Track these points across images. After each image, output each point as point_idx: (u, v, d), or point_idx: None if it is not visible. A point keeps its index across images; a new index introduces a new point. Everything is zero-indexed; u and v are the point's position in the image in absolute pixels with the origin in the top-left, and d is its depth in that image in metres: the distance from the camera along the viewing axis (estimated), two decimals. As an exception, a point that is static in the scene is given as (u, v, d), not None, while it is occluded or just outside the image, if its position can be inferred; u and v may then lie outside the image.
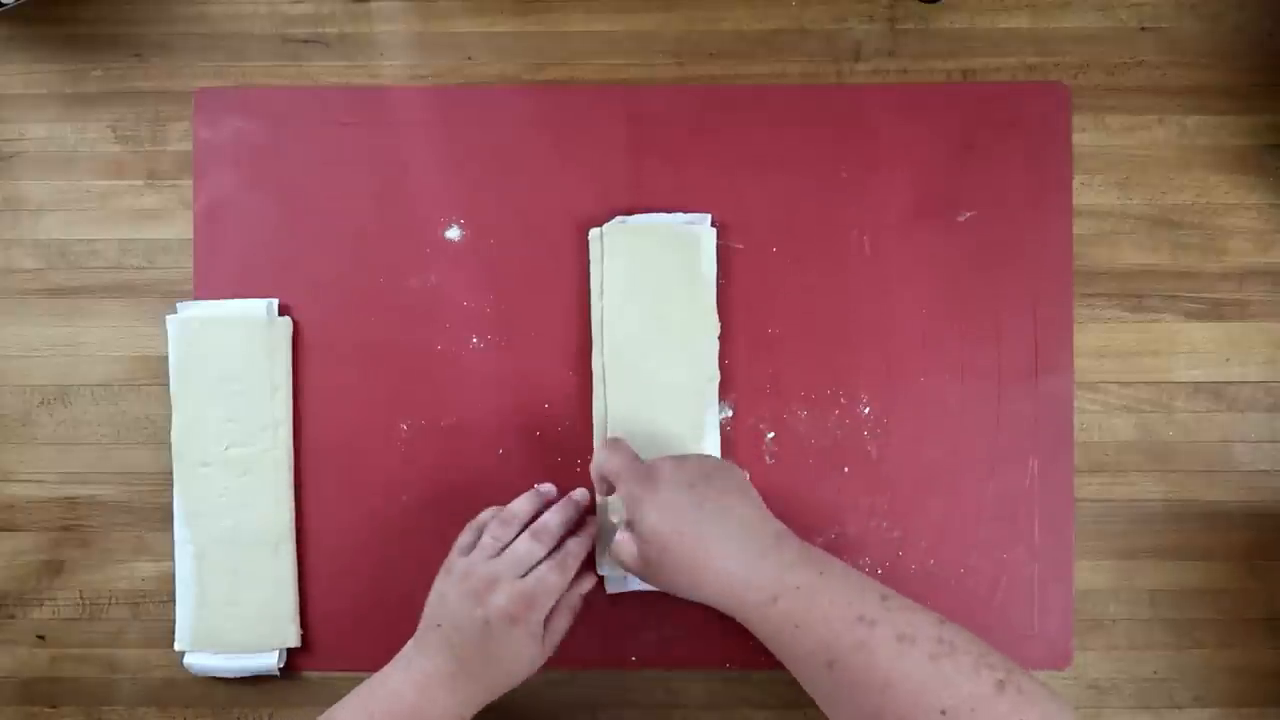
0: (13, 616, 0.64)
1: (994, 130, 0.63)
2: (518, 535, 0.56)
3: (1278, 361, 0.64)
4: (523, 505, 0.58)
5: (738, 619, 0.52)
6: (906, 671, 0.45)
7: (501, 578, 0.53)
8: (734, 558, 0.50)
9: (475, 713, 0.54)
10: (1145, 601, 0.64)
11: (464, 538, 0.57)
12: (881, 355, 0.63)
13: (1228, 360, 0.64)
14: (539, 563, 0.55)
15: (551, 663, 0.63)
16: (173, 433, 0.62)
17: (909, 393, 0.63)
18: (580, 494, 0.60)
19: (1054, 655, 0.63)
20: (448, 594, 0.54)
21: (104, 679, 0.64)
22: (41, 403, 0.64)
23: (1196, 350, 0.64)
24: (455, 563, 0.56)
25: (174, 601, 0.62)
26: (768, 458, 0.63)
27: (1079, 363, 0.63)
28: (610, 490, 0.56)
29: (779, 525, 0.53)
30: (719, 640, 0.63)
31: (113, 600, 0.64)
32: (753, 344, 0.63)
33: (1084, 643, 0.63)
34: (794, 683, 0.63)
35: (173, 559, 0.63)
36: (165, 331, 0.62)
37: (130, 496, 0.64)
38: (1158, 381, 0.64)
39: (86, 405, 0.64)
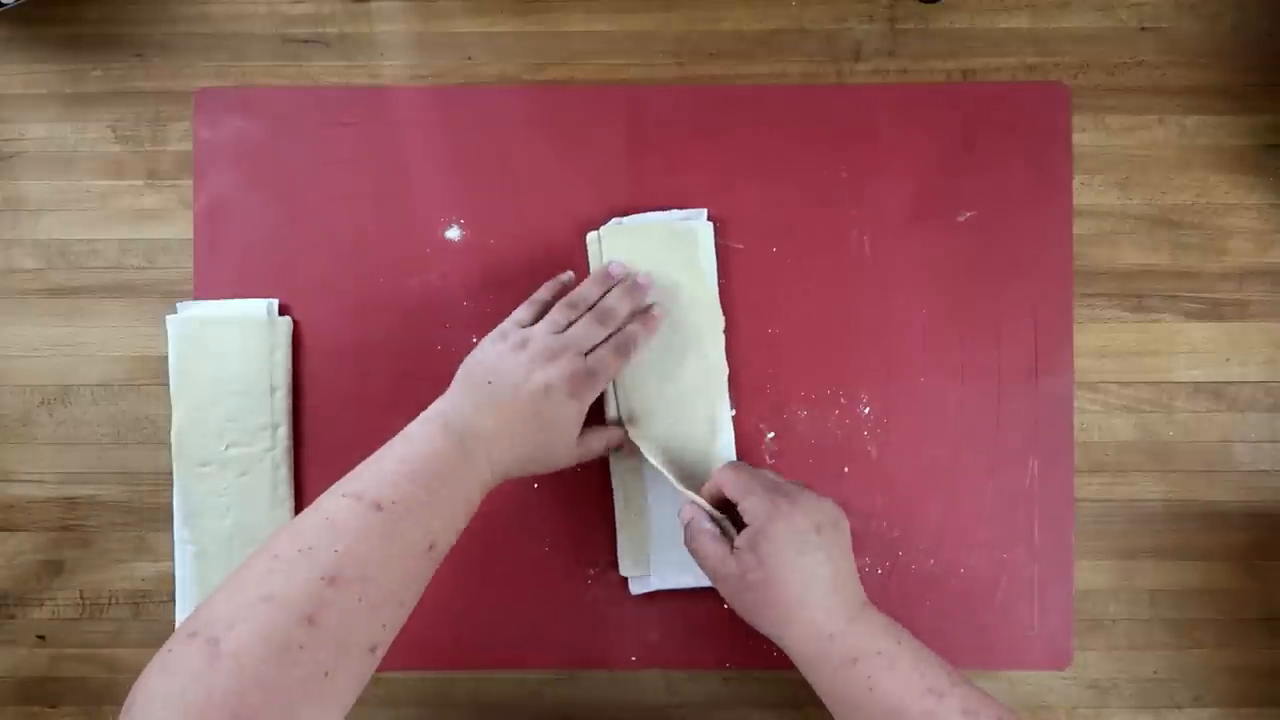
0: (13, 616, 0.64)
1: (994, 130, 0.63)
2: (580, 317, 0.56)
3: (1278, 361, 0.64)
4: (591, 290, 0.58)
5: (806, 671, 0.53)
6: None
7: (565, 351, 0.53)
8: (827, 613, 0.52)
9: (499, 484, 0.53)
10: (1145, 601, 0.64)
11: (521, 312, 0.57)
12: (881, 355, 0.63)
13: (1228, 360, 0.64)
14: (600, 343, 0.55)
15: (552, 663, 0.63)
16: (172, 433, 0.62)
17: (909, 393, 0.63)
18: (644, 277, 0.60)
19: (1054, 655, 0.63)
20: (503, 356, 0.54)
21: (104, 679, 0.64)
22: (41, 403, 0.64)
23: (1196, 350, 0.64)
24: (512, 331, 0.55)
25: (174, 601, 0.62)
26: (768, 458, 0.63)
27: (1079, 363, 0.63)
28: (715, 502, 0.56)
29: (863, 593, 0.54)
30: (719, 640, 0.63)
31: (113, 600, 0.64)
32: (753, 344, 0.63)
33: (1084, 643, 0.63)
34: (793, 683, 0.64)
35: (173, 559, 0.63)
36: (165, 331, 0.62)
37: (130, 496, 0.64)
38: (1158, 381, 0.64)
39: (86, 405, 0.64)
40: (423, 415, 0.52)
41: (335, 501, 0.47)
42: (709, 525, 0.55)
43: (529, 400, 0.52)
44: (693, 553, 0.55)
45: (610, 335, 0.56)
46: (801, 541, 0.51)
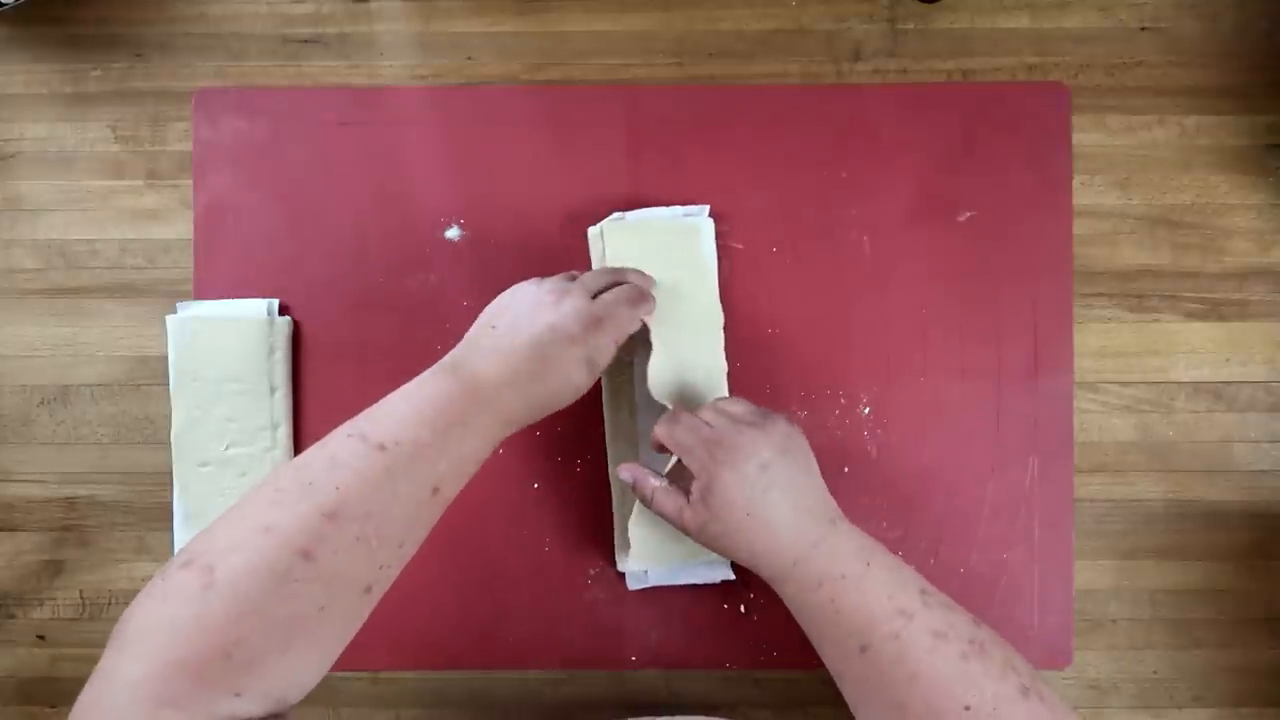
0: (13, 616, 0.64)
1: (994, 130, 0.63)
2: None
3: (1278, 361, 0.64)
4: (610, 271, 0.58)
5: (776, 590, 0.52)
6: (936, 667, 0.46)
7: (572, 293, 0.53)
8: (790, 540, 0.51)
9: (512, 433, 0.52)
10: (1145, 601, 0.64)
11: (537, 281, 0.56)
12: (881, 355, 0.63)
13: (1228, 360, 0.64)
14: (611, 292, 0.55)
15: (552, 663, 0.63)
16: (172, 433, 0.62)
17: (909, 393, 0.63)
18: (650, 281, 0.59)
19: (1054, 655, 0.63)
20: (517, 302, 0.54)
21: (104, 679, 0.64)
22: (41, 403, 0.64)
23: (1196, 350, 0.64)
24: (524, 284, 0.55)
25: (174, 601, 0.62)
26: (768, 458, 0.63)
27: (1079, 363, 0.63)
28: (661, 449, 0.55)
29: (834, 508, 0.53)
30: (719, 640, 0.63)
31: (113, 600, 0.64)
32: (753, 344, 0.63)
33: (1084, 643, 0.63)
34: (794, 682, 0.64)
35: (173, 559, 0.63)
36: (165, 331, 0.62)
37: (130, 496, 0.64)
38: (1158, 381, 0.64)
39: (86, 405, 0.64)
40: (438, 368, 0.51)
41: (340, 440, 0.46)
42: (656, 481, 0.54)
43: (534, 347, 0.51)
44: (654, 511, 0.55)
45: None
46: (750, 484, 0.51)
